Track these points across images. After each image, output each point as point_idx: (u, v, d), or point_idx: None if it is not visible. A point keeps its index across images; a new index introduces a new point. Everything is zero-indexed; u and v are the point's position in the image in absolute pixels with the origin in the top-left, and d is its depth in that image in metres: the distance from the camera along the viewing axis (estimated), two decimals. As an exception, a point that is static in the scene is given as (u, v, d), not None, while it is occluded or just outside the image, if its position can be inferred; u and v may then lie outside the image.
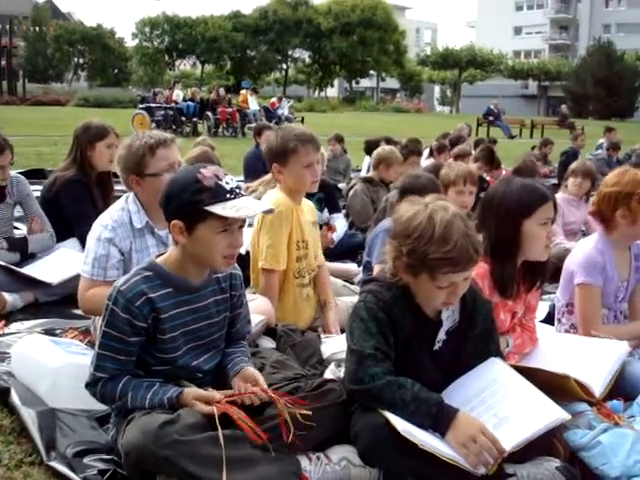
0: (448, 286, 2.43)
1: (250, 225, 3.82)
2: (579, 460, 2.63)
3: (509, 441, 2.31)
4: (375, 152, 7.20)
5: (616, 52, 54.31)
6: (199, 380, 2.55)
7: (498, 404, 2.48)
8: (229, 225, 2.37)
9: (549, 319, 3.96)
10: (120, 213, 3.32)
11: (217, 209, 2.32)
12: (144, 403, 2.40)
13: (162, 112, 20.84)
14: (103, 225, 3.28)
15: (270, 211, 2.59)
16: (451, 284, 2.43)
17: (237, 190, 2.39)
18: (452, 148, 10.11)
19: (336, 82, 67.89)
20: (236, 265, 2.63)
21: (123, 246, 3.27)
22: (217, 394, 2.42)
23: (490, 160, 7.78)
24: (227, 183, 2.38)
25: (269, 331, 3.44)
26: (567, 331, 3.61)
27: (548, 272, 3.22)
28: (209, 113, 21.72)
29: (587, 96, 52.57)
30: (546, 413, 2.41)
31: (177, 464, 2.20)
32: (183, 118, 21.41)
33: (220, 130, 21.82)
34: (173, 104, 21.65)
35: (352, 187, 7.07)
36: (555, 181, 11.32)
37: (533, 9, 73.05)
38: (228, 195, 2.35)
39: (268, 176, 5.80)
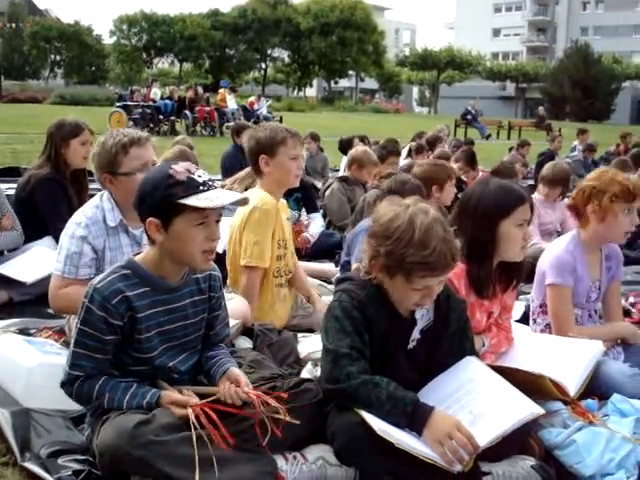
0: (422, 289, 2.44)
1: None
2: (554, 459, 2.66)
3: (484, 437, 2.32)
4: (349, 152, 7.21)
5: (593, 55, 54.85)
6: (175, 380, 2.53)
7: (473, 402, 2.49)
8: (205, 218, 2.36)
9: (525, 319, 3.98)
10: (94, 211, 3.30)
11: (191, 201, 2.31)
12: (121, 405, 2.38)
13: (139, 110, 20.71)
14: (77, 223, 3.26)
15: (244, 201, 2.58)
16: (426, 287, 2.44)
17: (210, 182, 2.39)
18: (430, 149, 10.16)
19: (315, 82, 67.98)
20: (215, 266, 2.62)
21: (97, 244, 3.24)
22: (192, 398, 2.41)
23: (471, 161, 7.82)
24: (199, 176, 2.38)
25: (246, 330, 3.43)
26: (542, 331, 3.63)
27: (524, 272, 3.24)
28: (187, 112, 21.62)
29: (564, 98, 53.05)
30: (520, 408, 2.43)
31: (152, 464, 2.19)
32: (161, 117, 21.29)
33: (198, 129, 21.73)
34: (151, 102, 21.53)
35: (329, 186, 7.08)
36: (532, 182, 11.39)
37: (511, 11, 73.61)
38: (201, 187, 2.35)
39: (242, 173, 5.79)
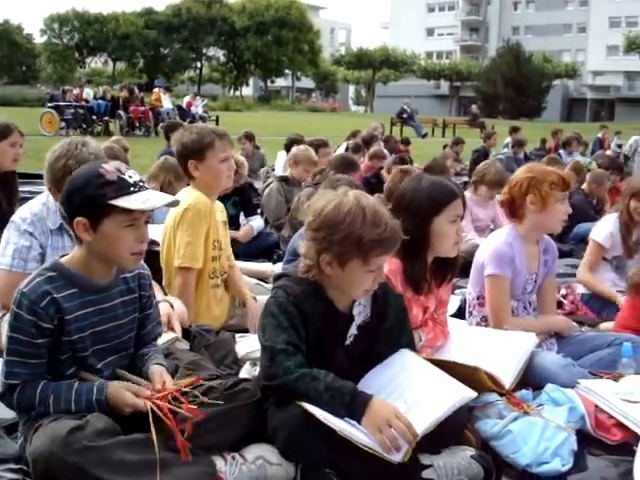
0: (376, 270, 2.47)
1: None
2: (491, 449, 2.69)
3: (420, 424, 2.34)
4: (290, 151, 7.25)
5: (524, 54, 56.02)
6: None
7: (407, 391, 2.52)
8: (135, 220, 2.33)
9: (460, 313, 4.04)
10: (41, 208, 3.31)
11: (122, 202, 2.28)
12: (69, 407, 2.33)
13: (72, 111, 20.30)
14: (22, 218, 3.27)
15: (175, 203, 2.55)
16: (378, 267, 2.48)
17: (141, 183, 2.36)
18: (366, 147, 10.24)
19: (251, 81, 67.74)
20: (145, 265, 2.59)
21: (42, 240, 3.25)
22: (146, 390, 2.37)
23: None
24: (130, 177, 2.35)
25: (183, 332, 3.38)
26: (478, 323, 3.69)
27: (458, 267, 3.29)
28: (121, 112, 21.27)
29: (497, 96, 54.03)
30: (453, 393, 2.47)
31: (87, 471, 2.15)
32: (94, 117, 20.90)
33: (133, 129, 21.39)
34: (83, 102, 21.12)
35: (268, 185, 7.07)
36: (466, 179, 11.57)
37: (445, 11, 74.60)
38: (132, 188, 2.32)
39: (154, 168, 5.68)
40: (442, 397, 2.45)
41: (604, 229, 4.76)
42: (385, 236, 2.40)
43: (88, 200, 2.29)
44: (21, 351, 2.32)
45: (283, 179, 6.94)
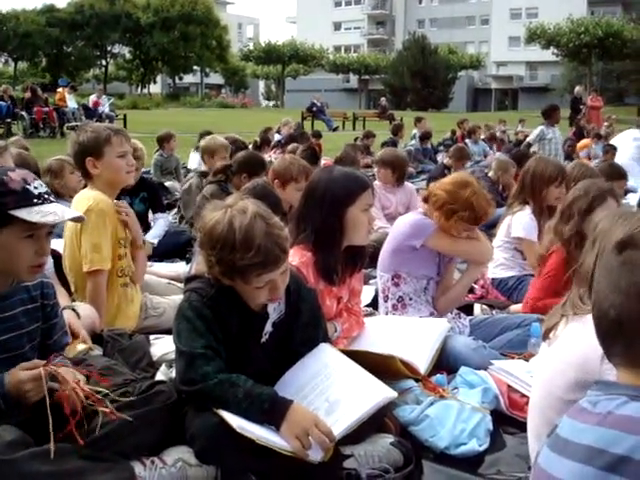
0: (266, 284, 2.42)
1: (59, 236, 3.69)
2: (410, 434, 2.74)
3: (340, 426, 2.34)
4: (200, 145, 7.14)
5: (430, 46, 56.84)
6: None
7: (329, 389, 2.51)
8: (36, 230, 2.26)
9: (375, 304, 4.07)
10: None
11: (22, 213, 2.21)
12: None
13: (-30, 113, 19.50)
14: None
15: (80, 219, 2.49)
16: (268, 282, 2.42)
17: (46, 195, 2.30)
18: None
19: (159, 78, 66.66)
20: (46, 274, 2.50)
21: None
22: (40, 362, 2.28)
23: (313, 159, 7.73)
24: (35, 188, 2.28)
25: (95, 337, 3.30)
26: (394, 305, 3.73)
27: (367, 255, 3.34)
28: (24, 113, 20.54)
29: (405, 88, 54.76)
30: (373, 394, 2.47)
31: None
32: (-5, 119, 20.13)
33: (37, 131, 20.68)
34: (-17, 104, 20.30)
35: (188, 181, 6.97)
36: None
37: (351, 5, 75.13)
38: (35, 200, 2.25)
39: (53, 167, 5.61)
40: (363, 397, 2.44)
41: (526, 225, 4.71)
42: (257, 260, 2.32)
43: None
44: None
45: (203, 174, 6.82)
